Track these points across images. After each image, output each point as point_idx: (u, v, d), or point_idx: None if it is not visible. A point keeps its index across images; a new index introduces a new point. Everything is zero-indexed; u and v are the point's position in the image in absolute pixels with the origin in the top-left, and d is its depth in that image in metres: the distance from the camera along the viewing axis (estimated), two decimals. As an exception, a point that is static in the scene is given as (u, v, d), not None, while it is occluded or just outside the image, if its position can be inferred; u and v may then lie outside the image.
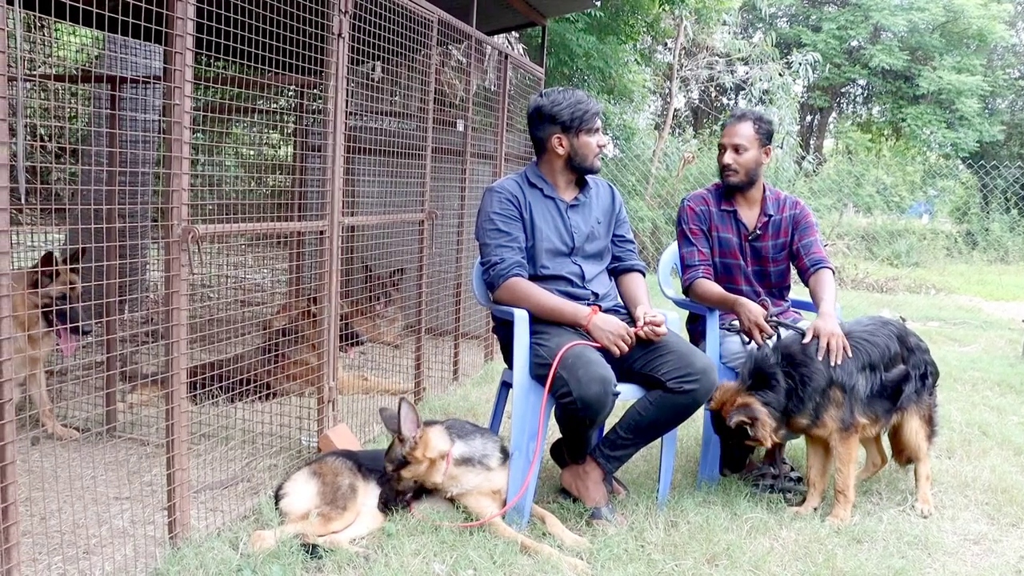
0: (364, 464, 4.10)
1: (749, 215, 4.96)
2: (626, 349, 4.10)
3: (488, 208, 4.36)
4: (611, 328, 4.11)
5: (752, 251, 4.96)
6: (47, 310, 4.83)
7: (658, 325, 4.15)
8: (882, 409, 4.38)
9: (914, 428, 4.50)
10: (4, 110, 2.62)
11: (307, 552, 3.54)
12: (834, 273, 4.84)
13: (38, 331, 4.87)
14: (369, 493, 4.01)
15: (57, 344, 5.01)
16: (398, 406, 3.93)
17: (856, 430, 4.28)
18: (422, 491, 4.11)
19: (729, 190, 4.94)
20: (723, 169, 4.90)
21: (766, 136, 4.89)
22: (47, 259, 4.86)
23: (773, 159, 17.06)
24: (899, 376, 4.41)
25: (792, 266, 5.04)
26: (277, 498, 3.92)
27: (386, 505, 3.99)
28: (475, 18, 6.68)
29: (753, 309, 4.55)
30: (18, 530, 2.82)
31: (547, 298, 4.24)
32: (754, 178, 4.89)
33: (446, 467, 4.02)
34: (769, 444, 4.33)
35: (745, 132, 4.85)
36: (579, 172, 4.47)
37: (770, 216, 4.93)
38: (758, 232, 4.93)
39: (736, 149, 4.84)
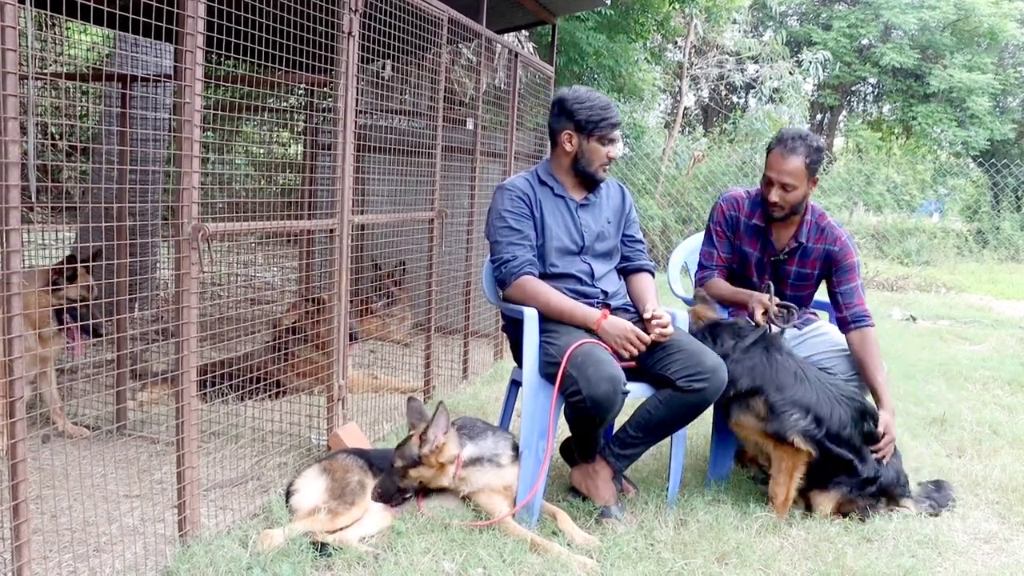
0: (375, 463, 4.10)
1: (781, 235, 4.76)
2: (635, 353, 4.10)
3: (499, 206, 4.35)
4: (620, 332, 4.11)
5: (773, 270, 4.81)
6: (64, 308, 4.87)
7: (664, 326, 4.14)
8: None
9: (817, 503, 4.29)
10: (15, 108, 2.62)
11: (317, 550, 3.55)
12: (872, 327, 4.62)
13: (49, 330, 4.89)
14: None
15: (68, 343, 5.02)
16: (435, 409, 3.96)
17: (792, 446, 4.16)
18: (429, 490, 4.12)
19: (772, 219, 4.71)
20: (769, 205, 4.62)
21: (816, 166, 4.57)
22: (71, 261, 4.89)
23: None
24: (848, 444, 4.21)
25: (831, 304, 4.83)
26: (288, 495, 3.92)
27: (381, 497, 3.98)
28: (485, 17, 6.67)
29: (762, 296, 4.52)
30: (28, 527, 2.83)
31: (558, 299, 4.23)
32: (798, 211, 4.66)
33: (455, 471, 4.02)
34: None
35: (795, 169, 4.51)
36: (582, 176, 4.44)
37: (801, 243, 4.70)
38: (784, 256, 4.76)
39: (784, 187, 4.54)
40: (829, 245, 4.70)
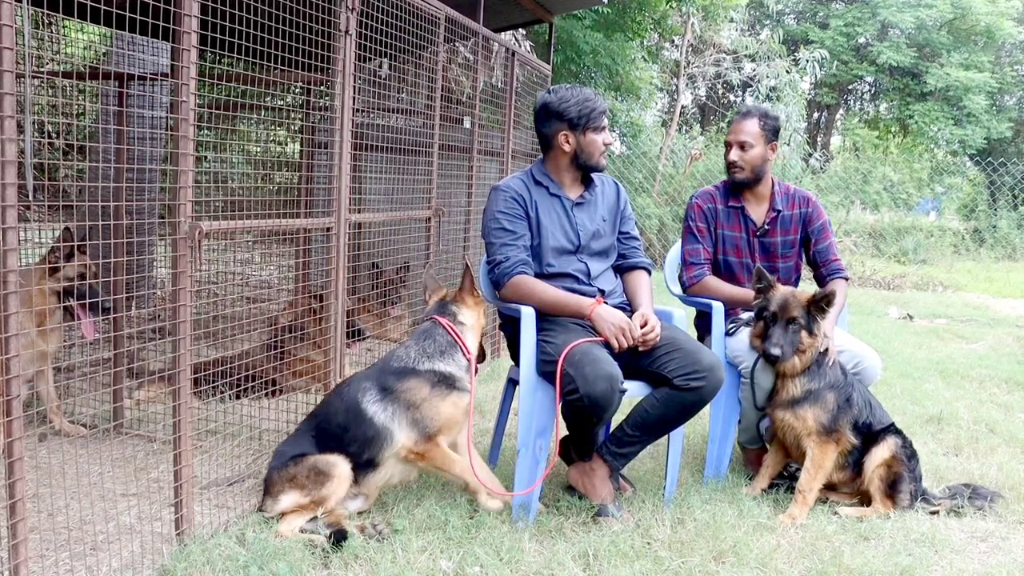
0: (292, 452, 3.99)
1: (757, 210, 4.97)
2: (625, 345, 4.09)
3: (494, 207, 4.36)
4: (613, 320, 4.10)
5: (761, 247, 4.96)
6: (66, 290, 4.87)
7: (648, 333, 4.15)
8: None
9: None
10: (12, 106, 2.62)
11: (332, 542, 3.60)
12: (847, 280, 5.00)
13: (47, 326, 4.89)
14: (335, 462, 3.90)
15: (77, 324, 5.01)
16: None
17: (837, 441, 4.30)
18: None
19: (736, 186, 4.95)
20: (729, 166, 4.92)
21: (772, 132, 4.90)
22: (65, 239, 4.88)
23: (780, 156, 17.08)
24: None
25: (807, 265, 5.07)
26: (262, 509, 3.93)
27: None
28: (482, 15, 6.67)
29: None
30: (26, 526, 2.83)
31: (551, 293, 4.23)
32: (760, 175, 4.90)
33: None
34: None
35: (750, 129, 4.86)
36: (584, 170, 4.46)
37: (779, 211, 4.93)
38: (766, 227, 4.93)
39: (742, 146, 4.86)
40: (803, 208, 5.01)
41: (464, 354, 4.15)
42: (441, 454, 4.01)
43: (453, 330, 4.17)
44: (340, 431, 3.96)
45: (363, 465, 3.95)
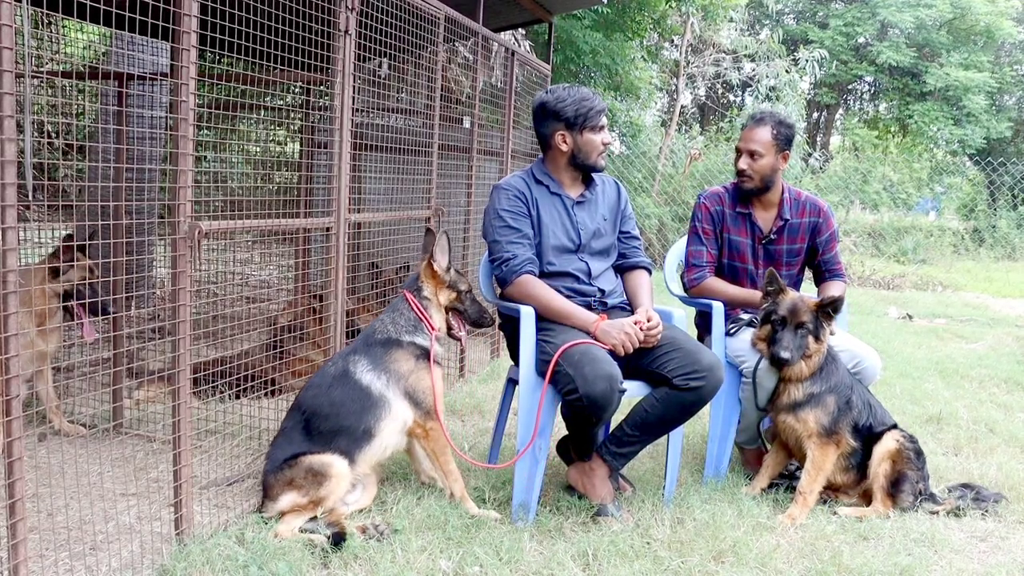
0: (285, 454, 3.98)
1: (765, 217, 4.90)
2: (631, 349, 4.09)
3: (497, 205, 4.35)
4: (619, 330, 4.09)
5: (765, 254, 4.91)
6: (67, 292, 4.87)
7: (652, 329, 4.14)
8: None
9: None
10: (11, 106, 2.62)
11: (332, 543, 3.60)
12: (844, 280, 4.98)
13: (47, 326, 4.89)
14: (331, 462, 3.90)
15: (79, 323, 5.01)
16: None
17: (836, 443, 4.31)
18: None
19: (744, 193, 4.87)
20: (738, 174, 4.82)
21: (785, 141, 4.79)
22: (67, 242, 4.88)
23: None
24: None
25: (808, 268, 5.06)
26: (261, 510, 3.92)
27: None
28: (482, 15, 6.67)
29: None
30: (25, 526, 2.83)
31: (558, 301, 4.23)
32: (769, 184, 4.81)
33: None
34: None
35: (762, 138, 4.76)
36: (583, 170, 4.45)
37: (786, 220, 4.86)
38: (772, 236, 4.88)
39: (751, 155, 4.76)
40: (813, 217, 4.92)
41: (428, 328, 4.24)
42: (443, 437, 4.14)
43: (416, 305, 4.26)
44: (334, 408, 4.00)
45: (360, 438, 3.98)
